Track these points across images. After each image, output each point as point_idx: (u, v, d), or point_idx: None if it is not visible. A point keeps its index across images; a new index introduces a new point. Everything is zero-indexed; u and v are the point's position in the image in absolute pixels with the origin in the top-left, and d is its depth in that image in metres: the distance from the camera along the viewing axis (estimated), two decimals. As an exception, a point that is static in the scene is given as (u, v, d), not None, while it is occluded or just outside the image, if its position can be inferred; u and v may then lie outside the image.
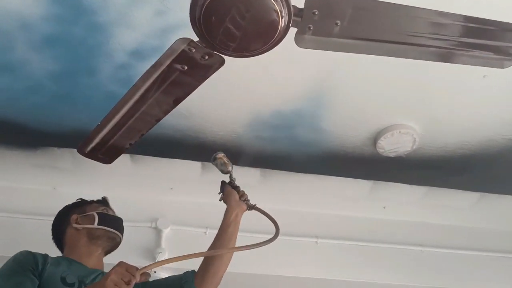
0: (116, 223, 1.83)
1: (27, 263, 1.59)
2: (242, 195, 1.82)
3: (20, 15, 1.61)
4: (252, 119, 2.10)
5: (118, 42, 1.72)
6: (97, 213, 1.78)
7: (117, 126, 1.22)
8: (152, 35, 1.69)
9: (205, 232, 2.48)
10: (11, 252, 2.11)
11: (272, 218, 1.67)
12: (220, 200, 1.83)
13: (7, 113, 2.05)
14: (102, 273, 1.68)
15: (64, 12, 1.60)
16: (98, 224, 1.75)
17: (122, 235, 1.82)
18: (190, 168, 2.40)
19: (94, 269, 1.68)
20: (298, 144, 2.26)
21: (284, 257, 2.52)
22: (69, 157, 2.31)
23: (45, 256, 1.66)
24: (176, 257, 1.30)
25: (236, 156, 2.32)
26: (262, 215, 1.80)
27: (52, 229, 1.83)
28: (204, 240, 2.45)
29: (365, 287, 2.70)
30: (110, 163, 1.42)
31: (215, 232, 2.45)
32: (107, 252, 1.80)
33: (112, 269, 1.31)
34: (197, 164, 2.40)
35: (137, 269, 1.28)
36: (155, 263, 1.35)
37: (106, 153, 1.35)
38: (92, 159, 1.42)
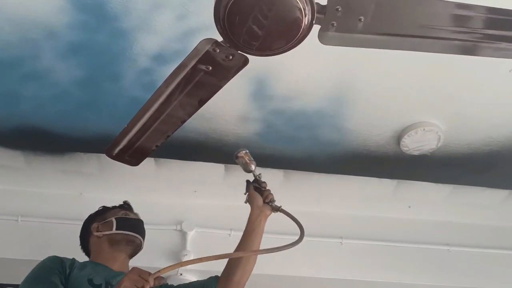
0: (135, 225, 1.85)
1: (54, 268, 1.64)
2: (266, 197, 1.78)
3: (47, 24, 1.65)
4: (274, 119, 2.10)
5: (140, 47, 1.74)
6: (115, 218, 1.82)
7: (144, 128, 1.25)
8: (174, 39, 1.71)
9: (229, 234, 2.49)
10: (40, 256, 2.15)
11: (298, 221, 1.66)
12: (245, 202, 1.81)
13: (35, 120, 2.09)
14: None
15: (88, 20, 1.64)
16: (116, 229, 1.79)
17: (143, 237, 1.84)
18: (213, 170, 2.41)
19: (120, 271, 1.71)
20: (321, 144, 2.25)
21: (309, 258, 2.51)
22: (95, 162, 2.35)
23: (72, 261, 1.70)
24: (190, 260, 1.31)
25: (259, 157, 2.32)
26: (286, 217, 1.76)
27: (80, 239, 1.88)
28: (228, 242, 2.47)
29: (391, 287, 2.67)
30: (136, 165, 1.44)
31: (240, 234, 2.47)
32: (131, 255, 1.83)
33: (125, 275, 1.33)
34: (221, 167, 2.41)
35: (149, 274, 1.29)
36: (167, 267, 1.33)
37: (132, 155, 1.37)
38: (119, 161, 1.45)
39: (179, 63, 1.76)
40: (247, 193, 1.80)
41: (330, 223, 2.63)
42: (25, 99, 1.98)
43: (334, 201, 2.62)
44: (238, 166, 2.42)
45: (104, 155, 2.29)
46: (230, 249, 2.46)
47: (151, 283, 1.27)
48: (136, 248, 1.82)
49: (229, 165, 2.40)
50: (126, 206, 1.92)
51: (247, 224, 1.76)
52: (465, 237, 2.76)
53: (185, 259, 2.34)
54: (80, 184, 2.48)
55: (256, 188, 1.79)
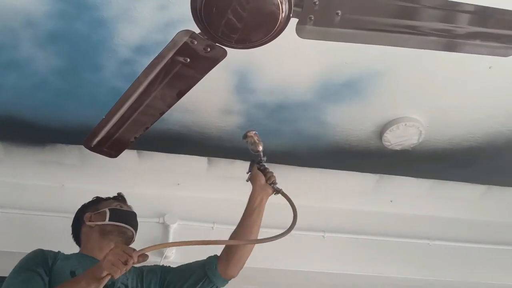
0: (128, 217, 1.85)
1: (37, 260, 1.63)
2: (269, 178, 1.80)
3: (25, 12, 1.62)
4: (257, 113, 2.10)
5: (121, 38, 1.72)
6: (108, 209, 1.81)
7: (122, 120, 1.23)
8: (155, 30, 1.69)
9: (212, 227, 2.50)
10: (21, 248, 2.14)
11: (294, 207, 1.66)
12: (247, 181, 1.81)
13: (14, 110, 2.07)
14: None
15: (67, 8, 1.61)
16: (109, 220, 1.78)
17: (135, 229, 1.84)
18: (196, 163, 2.41)
19: None
20: (303, 138, 2.26)
21: (292, 251, 2.52)
22: (77, 153, 2.33)
23: (56, 253, 1.69)
24: (176, 242, 1.31)
25: (242, 150, 2.32)
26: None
27: (71, 228, 1.88)
28: (211, 235, 2.49)
29: (373, 280, 2.70)
30: (115, 156, 1.43)
31: (222, 227, 2.49)
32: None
33: (109, 250, 1.34)
34: (204, 160, 2.41)
35: (134, 250, 1.31)
36: (152, 246, 1.36)
37: (111, 146, 1.36)
38: (98, 153, 1.44)
39: (159, 53, 1.77)
40: (250, 173, 1.80)
41: (312, 216, 2.62)
42: (4, 89, 1.95)
43: (316, 195, 2.63)
44: (221, 159, 2.43)
45: (85, 146, 2.30)
46: (213, 242, 2.47)
47: (135, 259, 1.29)
48: (127, 240, 1.80)
49: (212, 158, 2.40)
50: (120, 198, 1.92)
51: (248, 203, 1.78)
52: (445, 231, 2.80)
53: (167, 252, 2.34)
54: (61, 175, 2.45)
55: (259, 169, 1.79)
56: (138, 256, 1.30)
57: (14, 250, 2.16)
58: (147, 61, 1.78)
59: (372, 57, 1.84)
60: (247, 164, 2.40)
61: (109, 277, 1.29)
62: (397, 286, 2.76)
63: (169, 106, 1.18)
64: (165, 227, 2.45)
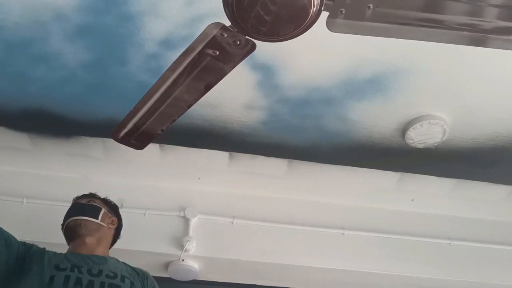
0: (69, 212, 1.90)
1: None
2: None
3: (56, 6, 1.66)
4: (280, 108, 2.10)
5: (148, 32, 1.75)
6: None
7: (150, 112, 1.25)
8: (181, 24, 1.71)
9: (232, 222, 2.52)
10: (47, 238, 2.19)
11: None
12: None
13: (42, 102, 2.11)
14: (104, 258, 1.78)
15: (97, 2, 1.64)
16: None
17: (71, 218, 1.85)
18: (218, 158, 2.42)
19: (91, 254, 1.77)
20: (325, 134, 2.25)
21: (311, 248, 2.53)
22: (101, 146, 2.37)
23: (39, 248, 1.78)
24: None
25: (264, 146, 2.34)
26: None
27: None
28: (231, 230, 2.51)
29: (392, 279, 2.68)
30: (142, 148, 1.45)
31: (242, 222, 2.52)
32: (88, 235, 1.82)
33: None
34: (225, 154, 2.42)
35: None
36: None
37: (138, 138, 1.38)
38: (125, 145, 1.46)
39: (188, 45, 1.78)
40: None
41: (332, 213, 2.64)
42: (33, 81, 1.99)
43: (337, 192, 2.63)
44: (243, 154, 2.44)
45: (110, 139, 2.32)
46: (233, 236, 2.50)
47: None
48: (79, 229, 1.82)
49: (233, 153, 2.41)
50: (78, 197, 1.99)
51: None
52: (467, 232, 2.76)
53: (188, 245, 2.36)
54: (85, 167, 2.49)
55: None
56: None
57: (37, 240, 2.21)
58: (173, 55, 1.82)
59: (397, 54, 1.83)
60: (268, 160, 2.43)
61: None
62: (417, 285, 2.73)
63: (196, 100, 1.19)
64: (186, 221, 2.48)
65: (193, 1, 1.63)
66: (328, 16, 0.95)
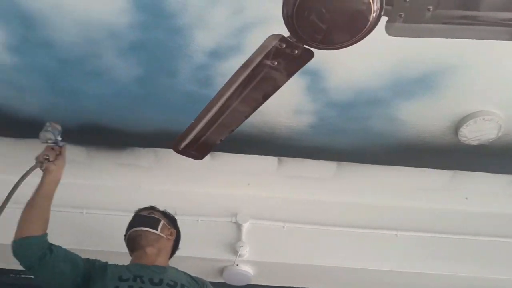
0: (130, 224, 2.00)
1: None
2: None
3: (108, 25, 1.72)
4: (328, 111, 2.10)
5: (197, 44, 1.78)
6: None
7: (209, 124, 1.28)
8: (229, 34, 1.74)
9: (283, 226, 2.53)
10: (102, 247, 2.27)
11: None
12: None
13: (96, 116, 2.19)
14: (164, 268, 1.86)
15: (147, 19, 1.69)
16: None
17: (141, 225, 1.95)
18: (266, 163, 2.44)
19: (152, 265, 1.84)
20: (374, 135, 2.23)
21: (363, 250, 2.51)
22: (152, 156, 2.43)
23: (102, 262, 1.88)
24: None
25: (312, 150, 2.34)
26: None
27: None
28: (283, 234, 2.53)
29: (447, 279, 2.62)
30: (201, 159, 1.49)
31: (293, 225, 2.53)
32: (147, 246, 1.90)
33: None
34: (274, 159, 2.43)
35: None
36: None
37: (198, 149, 1.42)
38: (185, 156, 1.50)
39: (234, 58, 1.81)
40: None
41: (384, 214, 2.61)
42: (88, 96, 2.07)
43: (388, 192, 2.59)
44: (291, 158, 2.46)
45: (161, 149, 2.40)
46: (284, 240, 2.51)
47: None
48: (140, 240, 1.90)
49: (282, 157, 2.42)
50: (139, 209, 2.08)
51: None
52: (526, 229, 2.67)
53: (241, 250, 2.39)
54: (138, 177, 2.57)
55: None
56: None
57: (96, 249, 2.29)
58: (221, 65, 1.87)
59: (445, 51, 1.79)
60: (317, 163, 2.43)
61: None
62: (473, 286, 2.66)
63: (255, 109, 1.21)
64: (238, 226, 2.51)
65: (239, 11, 1.65)
66: (387, 21, 0.95)
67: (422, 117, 2.11)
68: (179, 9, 1.64)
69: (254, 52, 1.06)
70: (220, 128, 1.29)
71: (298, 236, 2.52)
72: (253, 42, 1.73)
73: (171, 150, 2.32)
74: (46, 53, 1.84)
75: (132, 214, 2.46)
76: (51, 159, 1.86)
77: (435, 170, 2.47)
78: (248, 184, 2.59)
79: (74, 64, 1.90)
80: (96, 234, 2.39)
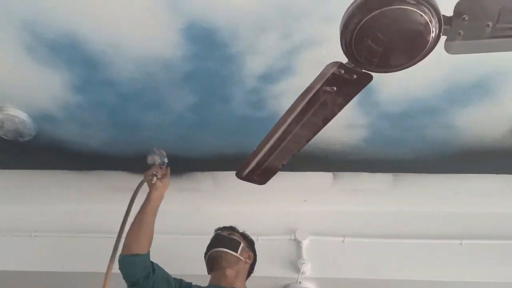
0: (209, 245, 2.04)
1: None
2: None
3: (164, 58, 1.79)
4: (381, 124, 2.09)
5: (248, 69, 1.83)
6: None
7: (271, 149, 1.32)
8: (279, 57, 1.77)
9: (343, 241, 2.52)
10: (167, 269, 2.32)
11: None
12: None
13: (154, 145, 2.26)
14: None
15: (200, 50, 1.75)
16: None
17: (220, 246, 1.99)
18: (321, 178, 2.46)
19: (231, 286, 1.89)
20: (430, 144, 2.20)
21: (428, 261, 2.46)
22: (210, 179, 2.50)
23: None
24: None
25: (367, 162, 2.33)
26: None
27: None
28: (342, 248, 2.51)
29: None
30: (264, 183, 1.52)
31: (353, 239, 2.51)
32: (225, 267, 1.94)
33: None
34: (329, 175, 2.44)
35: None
36: None
37: (261, 175, 1.45)
38: (248, 181, 1.54)
39: (285, 80, 1.85)
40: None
41: (446, 223, 2.55)
42: (145, 127, 2.17)
43: (449, 201, 2.54)
44: (346, 173, 2.46)
45: (219, 172, 2.46)
46: (345, 255, 2.49)
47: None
48: (221, 261, 1.94)
49: (337, 172, 2.42)
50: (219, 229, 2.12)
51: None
52: None
53: (303, 267, 2.40)
54: (197, 200, 2.64)
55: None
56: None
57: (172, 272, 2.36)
58: (272, 88, 1.90)
59: (499, 55, 1.72)
60: (373, 176, 2.42)
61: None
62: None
63: (315, 133, 1.24)
64: (297, 243, 2.52)
65: (288, 35, 1.69)
66: (445, 40, 0.96)
67: (481, 123, 2.06)
68: (230, 38, 1.70)
69: (314, 80, 1.09)
70: (282, 153, 1.32)
71: (359, 249, 2.51)
72: (303, 63, 1.79)
73: (228, 172, 2.43)
74: (107, 90, 1.94)
75: (192, 237, 2.55)
76: (158, 176, 2.02)
77: (498, 175, 2.40)
78: (305, 200, 2.60)
79: (133, 98, 1.99)
80: (157, 257, 2.46)
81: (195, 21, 1.63)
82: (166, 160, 2.14)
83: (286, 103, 1.95)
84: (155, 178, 2.02)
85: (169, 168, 2.13)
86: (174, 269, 2.25)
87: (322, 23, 1.63)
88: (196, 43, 1.72)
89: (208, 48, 1.75)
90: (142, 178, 2.02)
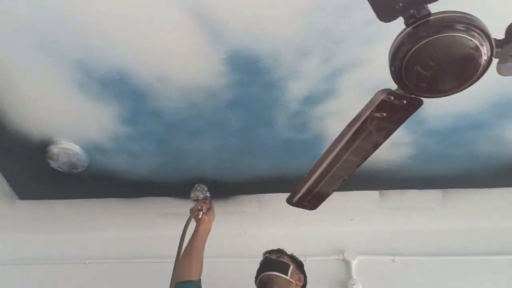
0: (259, 269, 2.02)
1: None
2: None
3: (208, 87, 1.85)
4: (426, 141, 2.06)
5: (291, 93, 1.86)
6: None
7: (321, 176, 1.33)
8: (320, 80, 1.80)
9: (393, 260, 2.47)
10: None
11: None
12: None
13: (200, 171, 2.32)
14: None
15: (243, 77, 1.80)
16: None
17: (270, 269, 1.97)
18: (367, 197, 2.43)
19: None
20: (479, 158, 2.15)
21: (482, 278, 2.38)
22: (255, 201, 2.52)
23: None
24: None
25: (413, 179, 2.29)
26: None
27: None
28: (392, 267, 2.47)
29: None
30: (314, 209, 1.53)
31: (403, 258, 2.46)
32: None
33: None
34: (375, 193, 2.42)
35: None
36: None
37: (311, 200, 1.46)
38: (299, 207, 1.55)
39: (327, 102, 1.86)
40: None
41: (501, 239, 2.46)
42: (191, 154, 2.22)
43: (502, 215, 2.46)
44: (392, 191, 2.42)
45: (264, 194, 2.48)
46: (396, 274, 2.45)
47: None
48: (272, 284, 1.92)
49: (383, 191, 2.39)
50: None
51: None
52: None
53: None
54: (243, 222, 2.66)
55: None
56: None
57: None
58: (315, 110, 1.92)
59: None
60: (420, 192, 2.37)
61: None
62: None
63: (365, 158, 1.24)
64: (346, 264, 2.49)
65: (330, 58, 1.71)
66: (498, 62, 0.95)
67: (530, 134, 2.01)
68: (272, 65, 1.73)
69: (364, 107, 1.10)
70: (332, 179, 1.33)
71: (410, 268, 2.45)
72: (345, 85, 1.80)
73: (273, 194, 2.44)
74: (155, 121, 2.01)
75: (240, 260, 2.56)
76: (204, 211, 2.12)
77: (553, 187, 2.32)
78: (351, 219, 2.58)
79: (179, 127, 2.05)
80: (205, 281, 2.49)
81: (238, 51, 1.68)
82: (208, 194, 2.24)
83: (329, 124, 1.98)
84: (201, 213, 2.11)
85: (212, 202, 2.22)
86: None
87: (362, 46, 1.65)
88: (239, 71, 1.76)
89: (251, 75, 1.79)
90: (189, 214, 2.12)
